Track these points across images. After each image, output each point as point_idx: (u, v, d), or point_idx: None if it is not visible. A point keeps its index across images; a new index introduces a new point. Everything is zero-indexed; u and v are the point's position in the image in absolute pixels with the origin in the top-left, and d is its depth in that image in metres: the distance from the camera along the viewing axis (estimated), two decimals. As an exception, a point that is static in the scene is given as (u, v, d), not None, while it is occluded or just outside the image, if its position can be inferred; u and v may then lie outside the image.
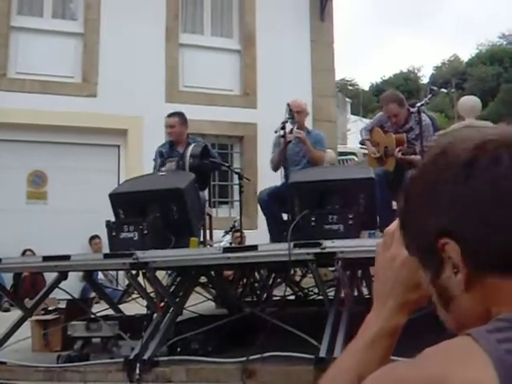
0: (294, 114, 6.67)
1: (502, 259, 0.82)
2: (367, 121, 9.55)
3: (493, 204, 0.81)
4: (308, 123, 7.68)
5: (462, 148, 0.84)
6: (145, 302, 5.71)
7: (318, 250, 4.51)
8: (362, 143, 7.29)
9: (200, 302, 6.84)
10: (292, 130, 6.72)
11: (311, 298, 8.40)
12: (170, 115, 7.38)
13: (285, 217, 6.70)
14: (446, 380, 0.72)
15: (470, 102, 9.76)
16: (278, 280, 8.14)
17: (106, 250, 6.00)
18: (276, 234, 6.48)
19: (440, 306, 0.92)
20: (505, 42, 61.55)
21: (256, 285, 8.13)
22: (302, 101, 7.34)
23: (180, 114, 7.35)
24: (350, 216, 5.10)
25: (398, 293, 1.01)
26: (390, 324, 1.00)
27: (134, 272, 5.35)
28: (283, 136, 6.34)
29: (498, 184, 0.81)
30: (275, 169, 6.95)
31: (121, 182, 8.49)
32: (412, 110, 6.54)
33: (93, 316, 5.65)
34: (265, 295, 7.88)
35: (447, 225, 0.84)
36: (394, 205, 6.81)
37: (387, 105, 6.63)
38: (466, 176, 0.83)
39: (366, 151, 7.24)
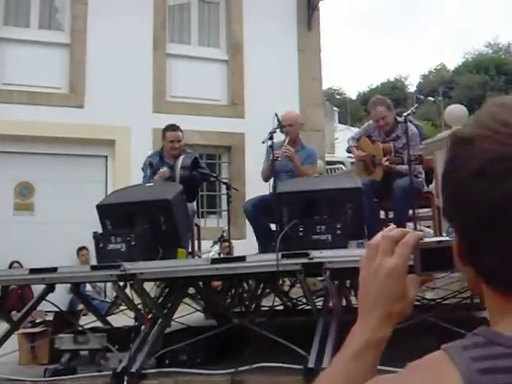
0: (286, 127, 6.67)
1: (489, 275, 0.83)
2: (355, 130, 9.61)
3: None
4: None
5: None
6: (133, 314, 5.67)
7: (305, 261, 4.51)
8: (348, 151, 7.29)
9: (188, 314, 6.81)
10: (283, 145, 6.69)
11: (300, 308, 8.39)
12: (175, 129, 7.29)
13: (273, 227, 6.71)
14: None
15: (456, 110, 9.84)
16: (267, 290, 8.12)
17: (94, 261, 5.97)
18: (263, 244, 6.47)
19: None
20: (491, 51, 62.05)
21: (244, 295, 8.10)
22: (294, 112, 7.30)
23: (180, 128, 7.33)
24: (338, 226, 5.10)
25: (382, 304, 1.00)
26: (376, 336, 1.00)
27: (121, 284, 5.33)
28: (271, 146, 6.33)
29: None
30: (266, 180, 6.93)
31: (108, 193, 8.48)
32: (399, 119, 6.56)
33: (80, 328, 5.61)
34: (253, 306, 7.86)
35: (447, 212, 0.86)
36: (382, 214, 6.84)
37: (375, 107, 6.64)
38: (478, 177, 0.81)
39: (353, 160, 7.25)
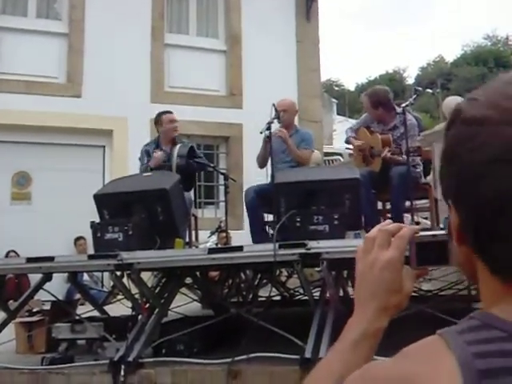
0: (280, 113, 6.66)
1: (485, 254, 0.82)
2: (353, 121, 9.59)
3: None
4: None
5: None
6: (130, 304, 5.68)
7: (303, 251, 4.52)
8: (347, 142, 7.28)
9: (185, 303, 6.82)
10: (275, 129, 6.70)
11: (297, 298, 8.40)
12: (170, 112, 7.42)
13: (267, 217, 6.70)
14: (414, 380, 0.73)
15: (454, 102, 9.79)
16: (264, 281, 8.13)
17: (91, 251, 5.98)
18: (257, 233, 6.46)
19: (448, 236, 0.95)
20: (489, 43, 61.98)
21: (242, 285, 8.12)
22: (290, 99, 7.31)
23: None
24: (336, 216, 5.11)
25: (379, 297, 1.02)
26: (373, 327, 1.01)
27: (118, 273, 5.33)
28: (269, 137, 6.33)
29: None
30: (261, 166, 6.91)
31: (106, 183, 8.47)
32: (397, 110, 6.55)
33: (77, 318, 5.62)
34: (250, 296, 7.87)
35: (453, 193, 0.85)
36: (379, 205, 6.84)
37: (364, 96, 6.73)
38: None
39: (352, 151, 7.23)
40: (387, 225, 1.06)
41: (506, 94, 0.82)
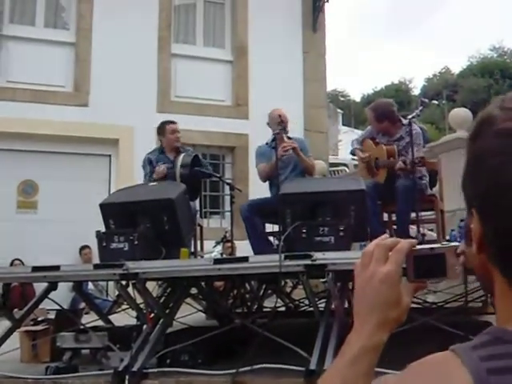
0: (281, 122, 6.66)
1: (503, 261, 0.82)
2: (359, 132, 9.60)
3: None
4: (299, 134, 7.65)
5: None
6: (135, 313, 5.68)
7: (308, 262, 4.51)
8: (353, 153, 7.27)
9: (190, 314, 6.81)
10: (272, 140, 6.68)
11: (302, 309, 8.38)
12: (173, 122, 7.41)
13: (273, 228, 6.71)
14: None
15: (461, 113, 9.83)
16: (269, 291, 8.12)
17: (97, 260, 5.98)
18: (258, 246, 6.46)
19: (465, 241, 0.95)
20: (495, 55, 61.90)
21: (247, 296, 8.10)
22: (278, 110, 7.21)
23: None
24: (341, 228, 5.10)
25: (377, 311, 1.01)
26: (371, 342, 1.00)
27: (123, 283, 5.33)
28: (274, 148, 6.34)
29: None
30: (265, 180, 6.92)
31: (112, 192, 8.48)
32: (403, 121, 6.55)
33: (82, 327, 5.61)
34: (255, 306, 7.85)
35: (478, 202, 0.85)
36: (385, 217, 6.83)
37: (368, 110, 6.74)
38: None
39: (357, 162, 7.23)
40: (384, 239, 1.06)
41: None
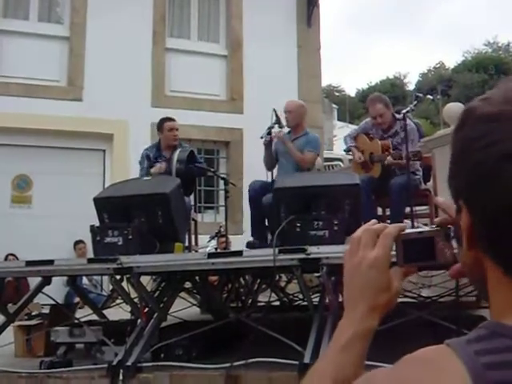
0: (285, 114, 6.68)
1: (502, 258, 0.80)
2: (354, 127, 9.56)
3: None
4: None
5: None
6: (129, 308, 5.67)
7: (302, 256, 4.51)
8: (347, 150, 7.27)
9: (185, 308, 6.80)
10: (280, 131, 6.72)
11: (296, 303, 8.39)
12: (172, 119, 7.39)
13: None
14: None
15: (455, 108, 9.82)
16: (263, 286, 8.12)
17: (91, 255, 5.97)
18: (257, 229, 6.46)
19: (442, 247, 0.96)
20: (490, 50, 61.99)
21: (241, 290, 8.10)
22: (298, 101, 7.24)
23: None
24: (336, 222, 5.10)
25: (367, 296, 1.01)
26: (362, 328, 1.00)
27: (118, 277, 5.33)
28: (269, 141, 6.34)
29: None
30: (269, 169, 6.89)
31: (106, 187, 8.46)
32: (397, 116, 6.56)
33: (76, 321, 5.60)
34: (250, 301, 7.86)
35: (465, 191, 0.83)
36: (379, 211, 6.83)
37: (374, 105, 6.66)
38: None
39: (352, 157, 7.23)
40: (372, 225, 1.05)
41: None
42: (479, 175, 0.79)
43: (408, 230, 1.04)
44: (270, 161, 6.71)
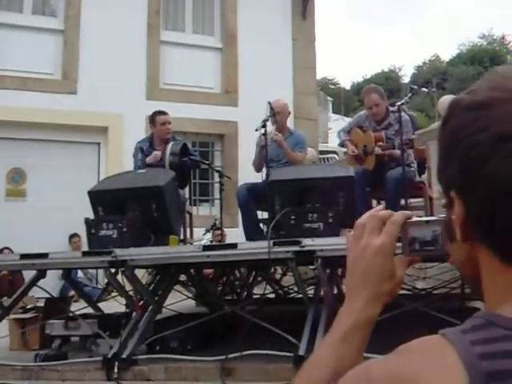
0: (275, 110, 6.67)
1: (500, 244, 0.79)
2: (349, 119, 9.56)
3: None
4: (289, 121, 7.64)
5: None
6: (124, 301, 5.68)
7: (297, 248, 4.52)
8: (341, 145, 7.30)
9: (180, 301, 6.82)
10: (271, 132, 6.69)
11: (291, 296, 8.40)
12: (165, 112, 7.36)
13: (262, 215, 6.71)
14: (416, 380, 0.70)
15: (449, 100, 9.83)
16: (258, 278, 8.13)
17: (86, 248, 5.96)
18: (250, 231, 6.47)
19: (447, 237, 0.93)
20: (485, 43, 62.00)
21: (236, 283, 8.12)
22: (283, 101, 7.28)
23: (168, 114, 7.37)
24: (330, 214, 5.10)
25: (370, 284, 0.99)
26: (364, 316, 0.98)
27: (113, 270, 5.33)
28: (264, 134, 6.33)
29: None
30: (257, 170, 6.92)
31: (101, 180, 8.45)
32: (392, 108, 6.57)
33: (71, 314, 5.61)
34: (245, 293, 7.87)
35: (458, 180, 0.82)
36: (374, 203, 6.84)
37: (369, 94, 6.67)
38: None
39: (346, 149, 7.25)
40: (378, 211, 1.03)
41: (508, 77, 0.82)
42: (471, 159, 0.79)
43: (414, 218, 1.02)
44: (261, 163, 6.71)
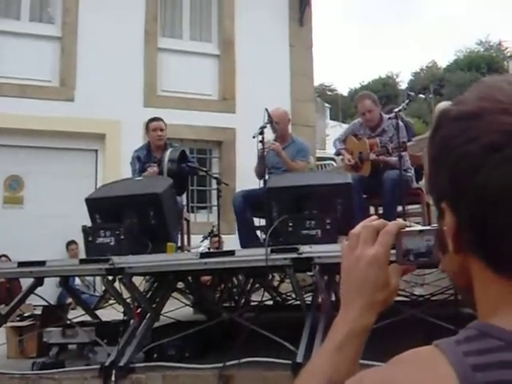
0: (273, 122, 6.67)
1: (495, 258, 0.79)
2: (346, 126, 9.56)
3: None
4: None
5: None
6: (121, 308, 5.66)
7: (295, 255, 4.51)
8: (337, 154, 7.32)
9: (178, 308, 6.80)
10: (269, 141, 6.68)
11: (289, 303, 8.39)
12: (157, 119, 7.35)
13: (259, 222, 6.70)
14: None
15: (438, 111, 9.86)
16: (256, 285, 8.12)
17: (83, 256, 5.95)
18: (246, 239, 6.47)
19: (439, 248, 0.93)
20: (482, 49, 62.16)
21: (234, 290, 8.11)
22: (282, 109, 7.27)
23: (162, 119, 7.35)
24: (328, 221, 5.10)
25: (365, 293, 0.99)
26: (359, 325, 0.99)
27: (110, 278, 5.32)
28: (261, 141, 6.34)
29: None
30: (259, 177, 6.90)
31: (98, 187, 8.44)
32: (386, 116, 6.61)
33: (69, 322, 5.59)
34: (243, 301, 7.86)
35: (448, 190, 0.82)
36: (371, 210, 6.85)
37: (363, 101, 6.69)
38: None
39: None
40: (372, 221, 1.04)
41: (496, 87, 0.81)
42: (462, 170, 0.79)
43: (408, 228, 1.03)
44: (262, 171, 6.70)
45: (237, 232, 6.72)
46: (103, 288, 7.46)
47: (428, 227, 1.01)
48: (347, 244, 1.04)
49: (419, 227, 1.03)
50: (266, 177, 6.66)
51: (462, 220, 0.81)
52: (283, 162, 6.78)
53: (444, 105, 9.91)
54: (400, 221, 1.04)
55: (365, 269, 1.00)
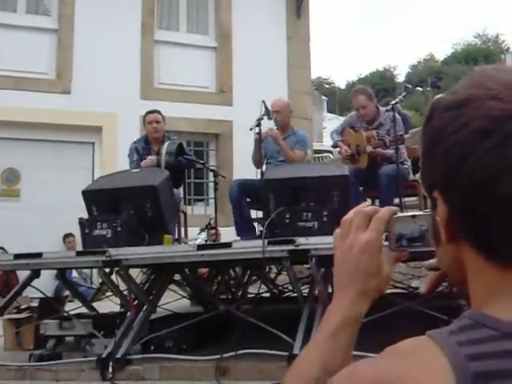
0: (272, 112, 6.66)
1: (485, 243, 0.79)
2: (343, 119, 9.56)
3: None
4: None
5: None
6: (118, 300, 5.67)
7: (291, 247, 4.52)
8: (334, 146, 7.32)
9: (174, 300, 6.81)
10: (267, 132, 6.69)
11: (286, 295, 8.41)
12: (154, 111, 7.34)
13: (256, 214, 6.70)
14: (404, 381, 0.70)
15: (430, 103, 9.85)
16: (253, 277, 8.13)
17: (80, 248, 5.95)
18: (241, 227, 6.47)
19: (433, 238, 0.92)
20: (480, 42, 62.12)
21: (231, 282, 8.11)
22: (284, 100, 7.27)
23: (160, 112, 7.34)
24: (325, 213, 5.10)
25: (358, 280, 0.99)
26: (352, 313, 0.98)
27: (107, 270, 5.32)
28: (258, 133, 6.33)
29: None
30: (257, 166, 6.89)
31: (95, 179, 8.44)
32: (382, 108, 6.60)
33: (66, 314, 5.60)
34: (240, 293, 7.86)
35: (440, 179, 0.82)
36: (368, 202, 6.84)
37: (356, 97, 6.70)
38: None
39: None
40: (363, 207, 1.03)
41: (487, 76, 0.81)
42: (454, 158, 0.78)
43: (400, 214, 1.02)
44: (259, 158, 6.68)
45: (233, 223, 6.71)
46: (100, 280, 7.47)
47: (421, 212, 0.99)
48: (339, 232, 1.03)
49: (412, 212, 1.02)
50: (264, 168, 6.66)
51: (453, 208, 0.81)
52: (281, 150, 6.78)
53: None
54: (392, 207, 1.03)
55: (357, 255, 0.99)
